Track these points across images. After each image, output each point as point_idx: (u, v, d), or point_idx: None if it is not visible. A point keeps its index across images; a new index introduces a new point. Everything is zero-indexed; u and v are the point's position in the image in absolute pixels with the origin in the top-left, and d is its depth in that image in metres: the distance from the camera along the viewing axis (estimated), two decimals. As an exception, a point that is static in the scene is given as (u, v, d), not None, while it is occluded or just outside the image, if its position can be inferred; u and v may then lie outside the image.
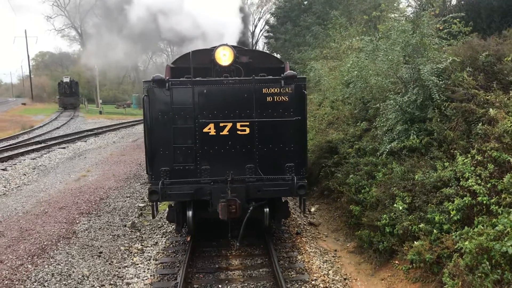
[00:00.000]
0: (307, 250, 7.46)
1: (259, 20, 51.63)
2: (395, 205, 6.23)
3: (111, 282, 6.39)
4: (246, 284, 6.30)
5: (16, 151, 17.34)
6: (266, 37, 34.03)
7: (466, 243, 4.64)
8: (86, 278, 6.34)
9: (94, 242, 7.72)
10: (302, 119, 6.77)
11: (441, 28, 9.32)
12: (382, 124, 8.19)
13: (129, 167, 14.29)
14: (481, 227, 4.84)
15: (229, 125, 6.63)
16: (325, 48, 17.03)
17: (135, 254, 7.46)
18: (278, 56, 23.58)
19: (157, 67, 65.92)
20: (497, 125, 5.85)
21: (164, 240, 8.04)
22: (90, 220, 8.82)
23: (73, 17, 60.31)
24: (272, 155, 6.76)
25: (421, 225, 5.66)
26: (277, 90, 6.64)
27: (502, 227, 4.52)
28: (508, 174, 5.13)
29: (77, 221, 8.63)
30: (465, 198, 5.37)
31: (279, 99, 6.68)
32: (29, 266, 6.51)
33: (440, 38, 8.90)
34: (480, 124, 6.18)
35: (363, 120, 9.66)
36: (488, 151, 5.66)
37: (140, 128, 26.63)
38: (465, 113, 6.59)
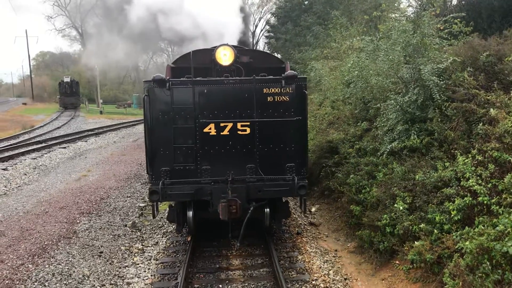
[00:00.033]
0: (307, 250, 7.46)
1: (259, 20, 51.78)
2: (395, 205, 6.23)
3: (112, 282, 6.40)
4: (247, 284, 6.30)
5: (16, 151, 17.34)
6: (266, 37, 34.04)
7: (467, 243, 4.65)
8: (86, 278, 6.35)
9: (95, 242, 7.72)
10: (303, 119, 6.75)
11: (441, 28, 9.32)
12: (382, 124, 8.18)
13: (129, 167, 14.30)
14: (482, 227, 4.84)
15: (230, 125, 6.62)
16: (326, 48, 17.02)
17: (136, 254, 7.46)
18: (279, 56, 23.57)
19: (157, 67, 65.88)
20: (498, 125, 5.85)
21: (165, 240, 8.04)
22: (90, 220, 8.83)
23: (74, 17, 60.54)
24: (272, 155, 6.75)
25: (422, 225, 5.65)
26: (278, 90, 6.63)
27: (503, 227, 4.53)
28: (508, 174, 5.13)
29: (78, 221, 8.64)
30: (465, 198, 5.37)
31: (279, 99, 6.66)
32: (30, 265, 6.52)
33: (440, 38, 8.89)
34: (480, 124, 6.18)
35: (364, 120, 9.65)
36: (489, 151, 5.66)
37: (140, 128, 26.62)
38: (466, 113, 6.58)
